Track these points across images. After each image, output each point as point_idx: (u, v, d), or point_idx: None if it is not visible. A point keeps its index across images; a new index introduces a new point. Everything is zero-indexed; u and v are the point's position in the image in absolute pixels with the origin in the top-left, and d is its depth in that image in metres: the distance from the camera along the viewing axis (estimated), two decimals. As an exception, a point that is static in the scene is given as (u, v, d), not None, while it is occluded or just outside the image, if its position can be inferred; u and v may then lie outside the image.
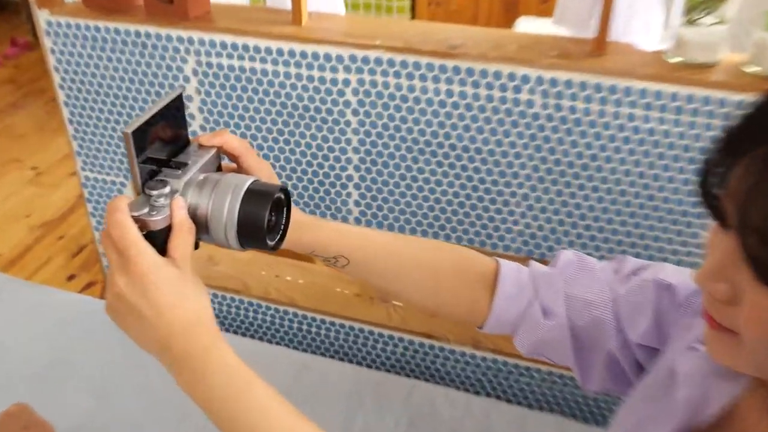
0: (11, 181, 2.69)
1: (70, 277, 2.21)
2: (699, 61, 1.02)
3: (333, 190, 1.27)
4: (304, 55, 1.14)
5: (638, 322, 0.69)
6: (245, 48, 1.17)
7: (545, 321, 0.72)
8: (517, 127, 1.10)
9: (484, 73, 1.07)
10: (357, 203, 1.27)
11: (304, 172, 1.27)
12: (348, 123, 1.19)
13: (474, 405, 1.24)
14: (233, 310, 1.47)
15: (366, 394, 1.25)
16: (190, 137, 0.65)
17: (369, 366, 1.43)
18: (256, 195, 0.59)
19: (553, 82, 1.05)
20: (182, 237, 0.58)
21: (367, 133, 1.19)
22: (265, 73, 1.18)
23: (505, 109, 1.09)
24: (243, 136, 1.26)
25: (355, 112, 1.17)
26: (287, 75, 1.17)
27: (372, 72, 1.12)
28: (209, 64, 1.21)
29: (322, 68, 1.15)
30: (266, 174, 0.66)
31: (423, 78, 1.10)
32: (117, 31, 1.23)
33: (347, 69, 1.13)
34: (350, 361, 1.43)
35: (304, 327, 1.43)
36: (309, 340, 1.45)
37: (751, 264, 0.42)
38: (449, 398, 1.25)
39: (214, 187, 0.60)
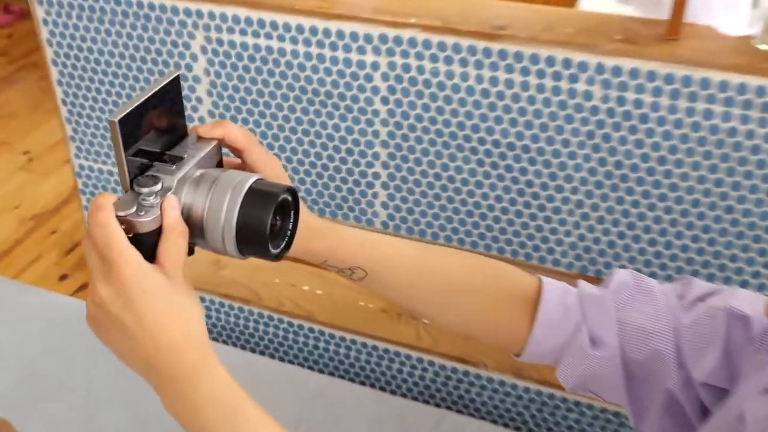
0: (-1, 167, 2.75)
1: (62, 277, 2.26)
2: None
3: (357, 190, 1.27)
4: (327, 33, 1.15)
5: (704, 357, 0.68)
6: (261, 23, 1.18)
7: (593, 351, 0.72)
8: (571, 122, 1.09)
9: (534, 59, 1.06)
10: (384, 205, 1.27)
11: (325, 167, 1.27)
12: (376, 113, 1.19)
13: (513, 443, 1.23)
14: (241, 321, 1.49)
15: (388, 424, 1.25)
16: (188, 127, 0.65)
17: (393, 392, 1.43)
18: (258, 195, 0.59)
19: (616, 71, 1.03)
20: (173, 241, 0.58)
21: (398, 125, 1.19)
22: (282, 52, 1.19)
23: (558, 101, 1.08)
24: (256, 124, 1.28)
25: (384, 101, 1.17)
26: (308, 56, 1.18)
27: (405, 54, 1.12)
28: (220, 41, 1.22)
29: (347, 49, 1.15)
30: (274, 171, 0.66)
31: (463, 63, 1.10)
32: (117, 1, 1.25)
33: (376, 50, 1.14)
34: (372, 386, 1.43)
35: (321, 344, 1.44)
36: (326, 359, 1.45)
37: None
38: (484, 433, 1.24)
39: (211, 185, 0.60)
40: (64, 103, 1.41)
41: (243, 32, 1.20)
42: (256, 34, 1.19)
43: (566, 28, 1.08)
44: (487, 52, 1.08)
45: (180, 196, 0.60)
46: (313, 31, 1.15)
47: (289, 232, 0.64)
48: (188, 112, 1.32)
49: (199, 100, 1.29)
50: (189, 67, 1.27)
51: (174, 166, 0.61)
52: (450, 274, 0.75)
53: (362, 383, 1.44)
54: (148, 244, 0.58)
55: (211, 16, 1.20)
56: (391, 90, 1.16)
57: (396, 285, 0.73)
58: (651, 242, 1.15)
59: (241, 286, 1.46)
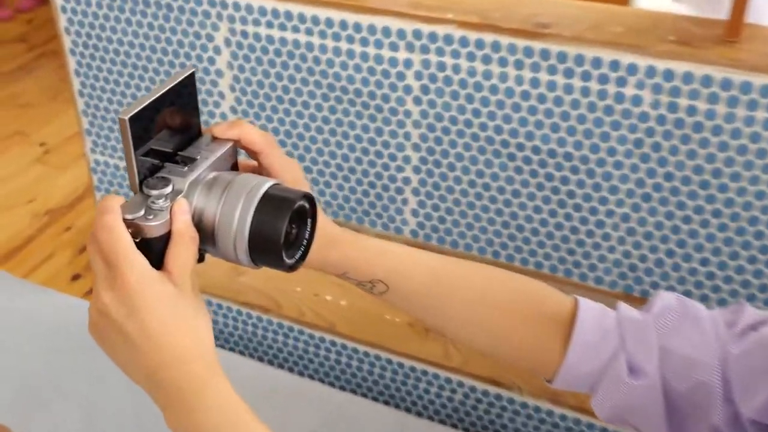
0: (14, 158, 2.79)
1: (75, 277, 2.30)
2: None
3: (386, 195, 1.27)
4: (358, 27, 1.15)
5: (755, 391, 0.67)
6: (288, 16, 1.19)
7: (631, 380, 0.71)
8: (618, 129, 1.08)
9: (579, 60, 1.05)
10: (414, 212, 1.27)
11: (352, 170, 1.27)
12: (408, 113, 1.19)
13: (545, 474, 1.22)
14: (259, 332, 1.49)
15: (411, 448, 1.25)
16: (203, 127, 0.66)
17: (419, 413, 1.42)
18: (273, 201, 0.60)
19: (668, 75, 1.02)
20: (182, 247, 0.59)
21: (431, 127, 1.18)
22: (310, 47, 1.20)
23: (604, 106, 1.07)
24: (280, 122, 1.28)
25: (417, 101, 1.17)
26: (337, 51, 1.18)
27: (440, 52, 1.12)
28: (245, 34, 1.23)
29: (379, 45, 1.15)
30: (292, 176, 0.67)
31: (502, 62, 1.09)
32: (139, -10, 1.27)
33: (410, 47, 1.14)
34: (396, 406, 1.43)
35: (343, 359, 1.44)
36: (348, 375, 1.46)
37: None
38: (514, 463, 1.23)
39: (225, 189, 0.61)
40: (81, 94, 1.43)
41: (269, 24, 1.21)
42: (282, 27, 1.20)
43: (615, 27, 1.07)
44: (528, 52, 1.07)
45: (191, 200, 0.61)
46: (343, 24, 1.16)
47: (305, 241, 0.64)
48: (209, 107, 1.33)
49: (221, 95, 1.31)
50: (212, 61, 1.28)
51: (186, 168, 0.62)
52: (477, 290, 0.75)
53: (386, 403, 1.44)
54: (155, 250, 0.59)
55: (236, 6, 1.21)
56: (425, 89, 1.16)
57: (418, 300, 0.74)
58: (703, 262, 1.13)
59: (261, 294, 1.47)
